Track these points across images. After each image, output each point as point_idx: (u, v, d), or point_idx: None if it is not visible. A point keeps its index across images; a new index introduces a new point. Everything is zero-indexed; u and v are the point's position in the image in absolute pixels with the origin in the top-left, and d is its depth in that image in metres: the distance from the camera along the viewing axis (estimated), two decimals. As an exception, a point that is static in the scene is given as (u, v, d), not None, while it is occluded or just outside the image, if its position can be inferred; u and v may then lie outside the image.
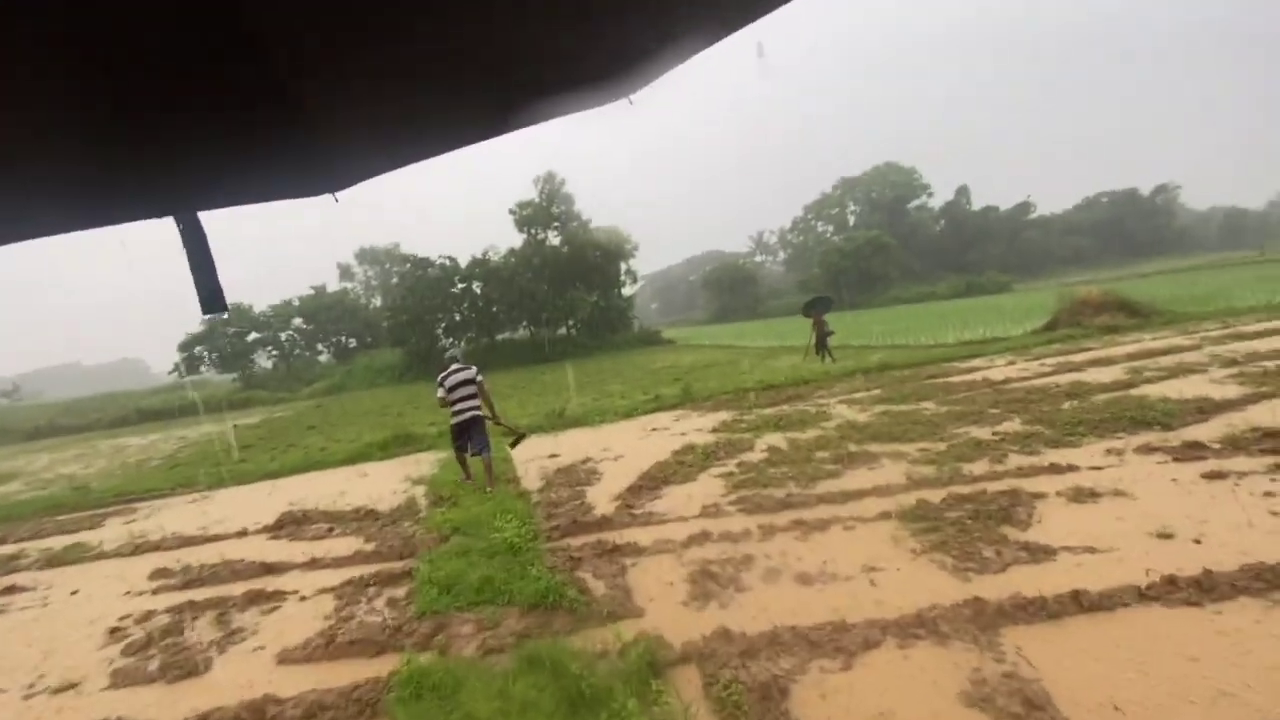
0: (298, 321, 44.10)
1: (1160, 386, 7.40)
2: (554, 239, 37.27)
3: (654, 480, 6.23)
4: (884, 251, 63.65)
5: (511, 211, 36.83)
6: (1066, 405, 7.10)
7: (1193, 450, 4.99)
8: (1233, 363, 8.12)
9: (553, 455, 8.23)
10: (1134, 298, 15.09)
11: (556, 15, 1.57)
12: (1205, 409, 6.08)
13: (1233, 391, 6.66)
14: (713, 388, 12.40)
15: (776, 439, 7.37)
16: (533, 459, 8.17)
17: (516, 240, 37.63)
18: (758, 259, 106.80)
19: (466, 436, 6.77)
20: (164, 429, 26.18)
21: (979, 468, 5.30)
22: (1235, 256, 55.29)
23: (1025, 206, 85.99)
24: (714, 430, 8.43)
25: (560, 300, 35.43)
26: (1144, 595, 2.89)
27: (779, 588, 3.63)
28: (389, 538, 5.51)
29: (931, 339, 19.16)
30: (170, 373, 40.01)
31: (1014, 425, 6.51)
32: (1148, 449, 5.20)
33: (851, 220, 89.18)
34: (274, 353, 42.67)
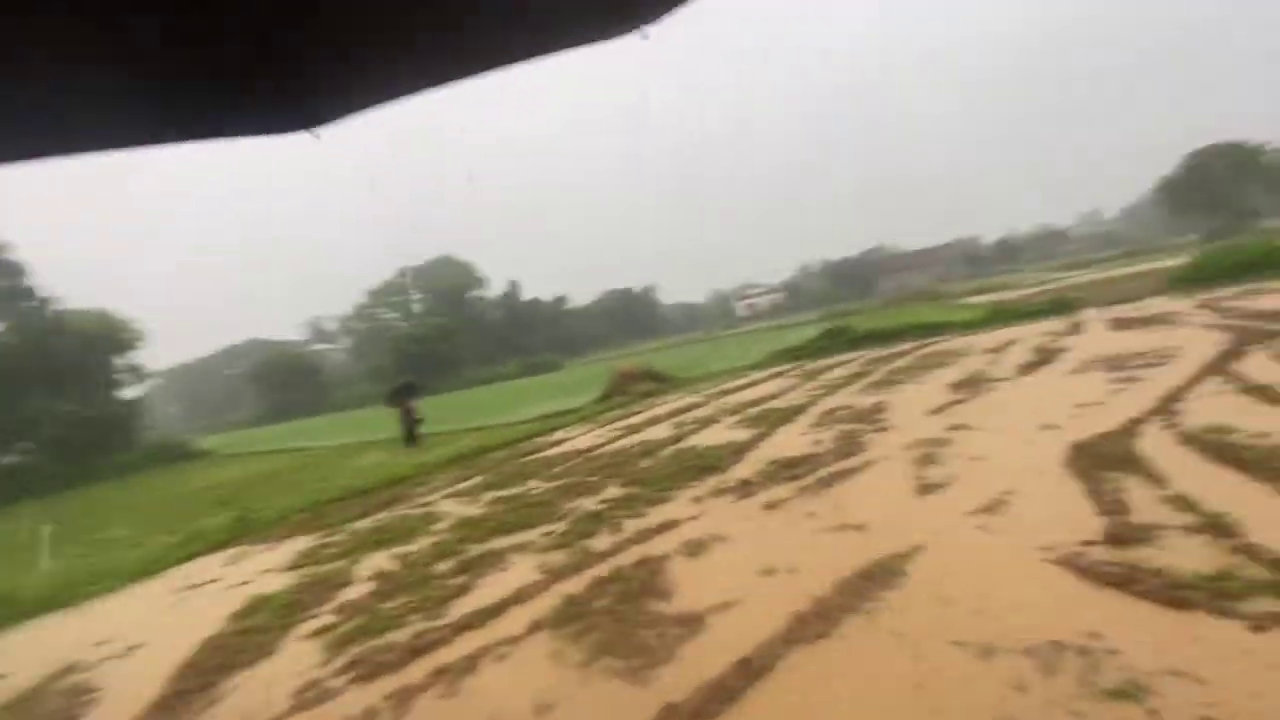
0: None
1: (700, 436, 9.20)
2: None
3: (206, 673, 4.19)
4: (451, 337, 66.01)
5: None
6: (645, 463, 8.07)
7: (747, 487, 6.16)
8: (734, 412, 10.80)
9: (-12, 681, 4.86)
10: (656, 367, 19.14)
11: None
12: (737, 450, 7.73)
13: (744, 434, 8.73)
14: (279, 508, 9.82)
15: (381, 560, 6.08)
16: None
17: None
18: (316, 347, 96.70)
19: None
20: None
21: (602, 541, 5.33)
22: (692, 336, 77.72)
23: (562, 299, 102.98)
24: (291, 568, 6.47)
25: (9, 414, 23.99)
26: (788, 641, 3.12)
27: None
28: None
29: (512, 416, 20.17)
30: None
31: (615, 490, 6.96)
32: (718, 491, 6.19)
33: (418, 307, 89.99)
34: None
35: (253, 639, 4.63)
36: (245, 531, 8.49)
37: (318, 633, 4.56)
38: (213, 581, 6.57)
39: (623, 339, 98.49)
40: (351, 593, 5.29)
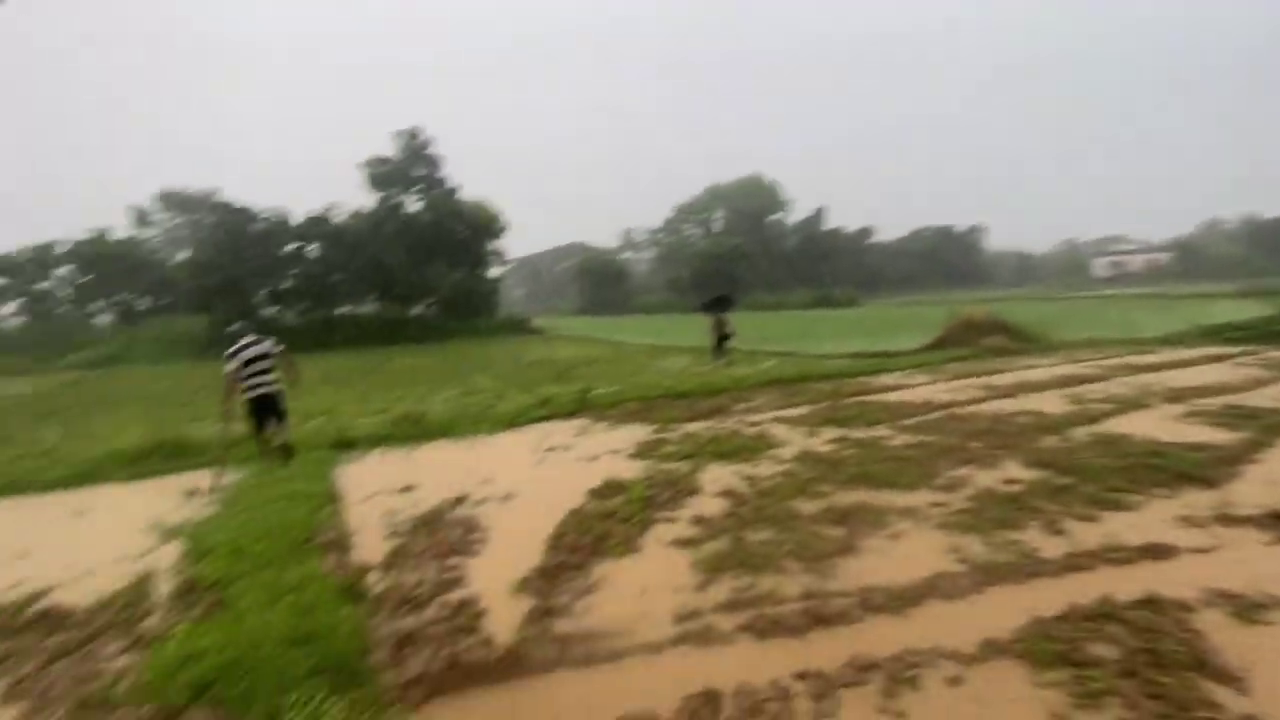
0: (64, 271, 34.72)
1: (1129, 423, 6.66)
2: (413, 205, 32.86)
3: (574, 549, 4.04)
4: (745, 259, 65.94)
5: (361, 168, 31.82)
6: (1050, 442, 6.05)
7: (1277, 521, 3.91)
8: (1173, 399, 7.73)
9: (406, 488, 5.66)
10: (1011, 322, 15.56)
11: None
12: (1224, 458, 5.22)
13: (1218, 435, 5.97)
14: (610, 392, 10.32)
15: (725, 474, 5.52)
16: (375, 494, 5.56)
17: (368, 201, 32.60)
18: (626, 255, 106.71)
19: (268, 412, 6.69)
20: None
21: (1039, 540, 3.82)
22: (1029, 292, 64.44)
23: (867, 231, 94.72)
24: (635, 455, 6.39)
25: (417, 275, 31.22)
26: None
27: None
28: (57, 688, 2.77)
29: (813, 348, 18.83)
30: None
31: (1020, 470, 5.23)
32: (1224, 517, 4.06)
33: (718, 226, 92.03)
34: (26, 307, 33.03)
35: (614, 526, 4.39)
36: (587, 407, 8.98)
37: (680, 543, 4.09)
38: (565, 448, 6.89)
39: (935, 283, 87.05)
40: (704, 505, 4.78)
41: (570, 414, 8.65)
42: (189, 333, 29.00)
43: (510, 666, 2.79)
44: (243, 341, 6.70)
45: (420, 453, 7.09)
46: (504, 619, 3.23)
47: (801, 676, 2.64)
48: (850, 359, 14.51)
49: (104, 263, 35.61)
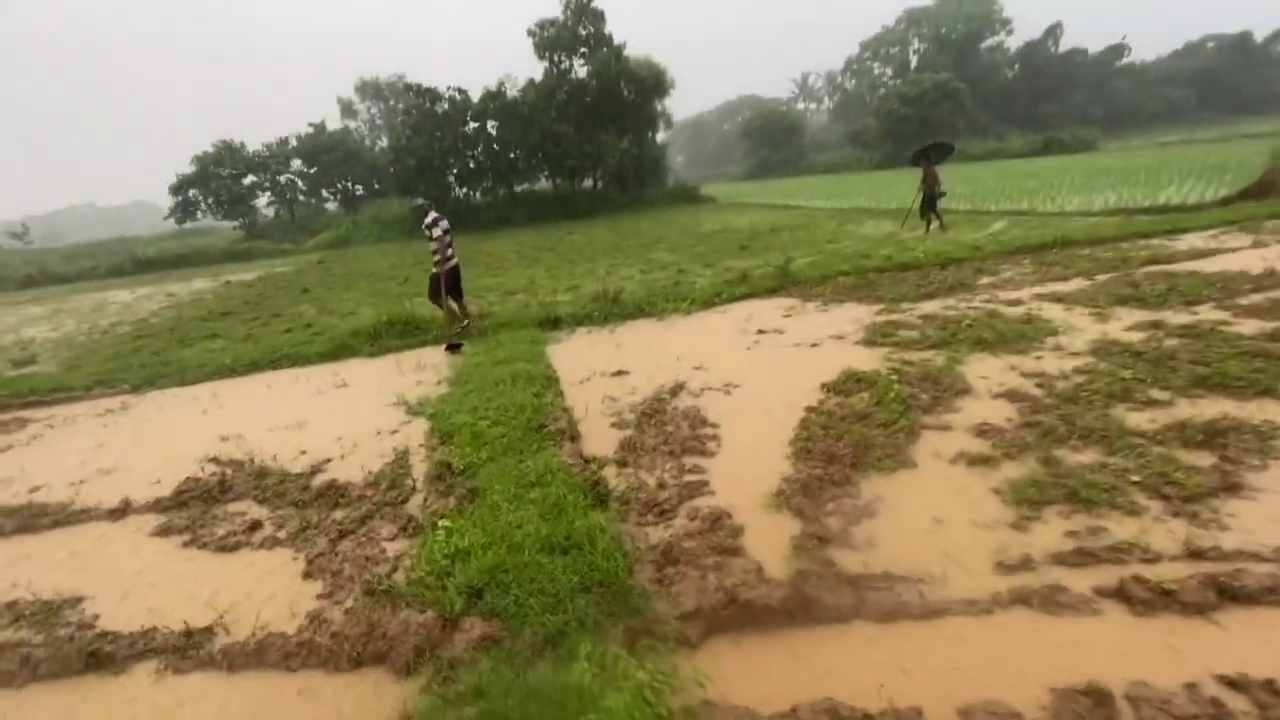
0: (297, 164, 39.83)
1: None
2: (580, 69, 31.66)
3: (830, 459, 3.43)
4: (952, 98, 55.59)
5: (530, 33, 30.92)
6: None
7: None
8: None
9: (619, 373, 5.43)
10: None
11: None
12: None
13: None
14: (811, 265, 9.21)
15: (998, 369, 4.46)
16: (588, 377, 5.40)
17: (536, 70, 32.04)
18: (800, 106, 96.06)
19: (457, 284, 7.01)
20: (157, 282, 23.77)
21: None
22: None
23: (1117, 50, 74.33)
24: (866, 341, 5.49)
25: (588, 145, 30.76)
26: None
27: None
28: (346, 570, 2.91)
29: (1054, 204, 15.39)
30: (166, 218, 36.91)
31: None
32: None
33: (914, 61, 78.16)
34: (274, 199, 38.95)
35: (872, 434, 3.68)
36: (790, 282, 8.07)
37: (967, 460, 3.28)
38: (776, 332, 6.20)
39: (1212, 115, 67.44)
40: (982, 409, 3.85)
41: (771, 291, 7.82)
42: (398, 215, 32.18)
43: (797, 610, 2.33)
44: (434, 215, 7.01)
45: (622, 333, 6.87)
46: (768, 541, 2.77)
47: (1234, 685, 1.84)
48: (1114, 217, 11.54)
49: (324, 154, 40.17)
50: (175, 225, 37.82)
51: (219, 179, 35.85)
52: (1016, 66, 72.36)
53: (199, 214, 36.90)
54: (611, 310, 7.35)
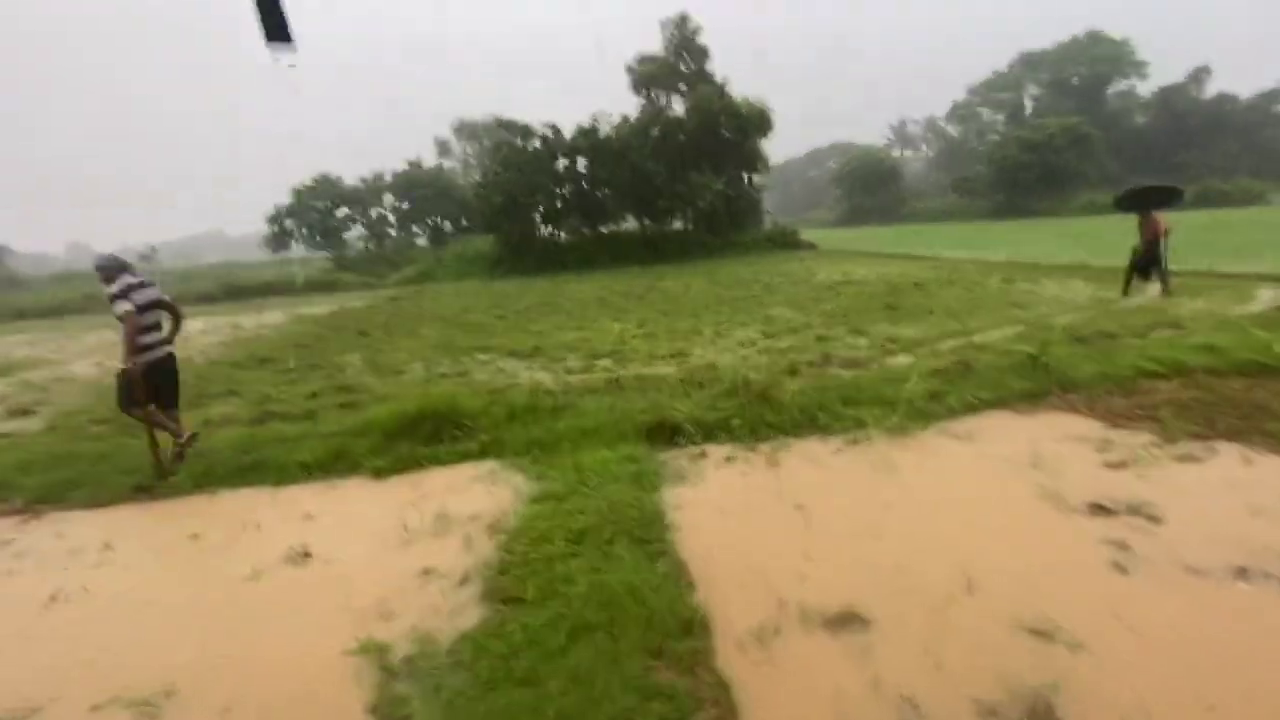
0: (390, 199, 40.35)
1: None
2: (678, 106, 29.95)
3: None
4: (1082, 144, 50.28)
5: (629, 69, 29.65)
6: None
7: None
8: None
9: (844, 619, 2.61)
10: None
11: None
12: None
13: None
14: (1060, 351, 6.08)
15: None
16: (774, 628, 2.59)
17: (631, 106, 30.67)
18: (897, 153, 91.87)
19: (161, 382, 4.66)
20: (235, 312, 23.32)
21: None
22: None
23: (1273, 96, 66.11)
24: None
25: (680, 185, 28.72)
26: None
27: None
28: None
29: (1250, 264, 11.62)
30: (260, 247, 38.06)
31: None
32: None
33: (1029, 107, 72.88)
34: (365, 232, 39.43)
35: None
36: (1053, 383, 4.97)
37: None
38: (1139, 515, 3.16)
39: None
40: None
41: (1030, 398, 4.77)
42: (481, 252, 31.22)
43: None
44: (127, 278, 4.51)
45: (794, 468, 4.06)
46: None
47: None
48: None
49: (418, 190, 40.54)
50: (276, 256, 38.82)
51: (314, 210, 36.54)
52: (1154, 111, 65.50)
53: (293, 244, 37.72)
54: (761, 417, 4.56)
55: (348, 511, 3.79)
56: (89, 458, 5.01)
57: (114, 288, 4.38)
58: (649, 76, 29.02)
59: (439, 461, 4.30)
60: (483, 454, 4.38)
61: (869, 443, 4.18)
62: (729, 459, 4.01)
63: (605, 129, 29.05)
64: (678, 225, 32.18)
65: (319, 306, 21.61)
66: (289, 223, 36.20)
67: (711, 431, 4.41)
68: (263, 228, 36.09)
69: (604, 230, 31.29)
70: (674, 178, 29.66)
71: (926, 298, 11.58)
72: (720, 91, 28.34)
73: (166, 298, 4.84)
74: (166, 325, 4.88)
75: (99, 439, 5.96)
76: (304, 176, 36.62)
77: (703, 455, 4.08)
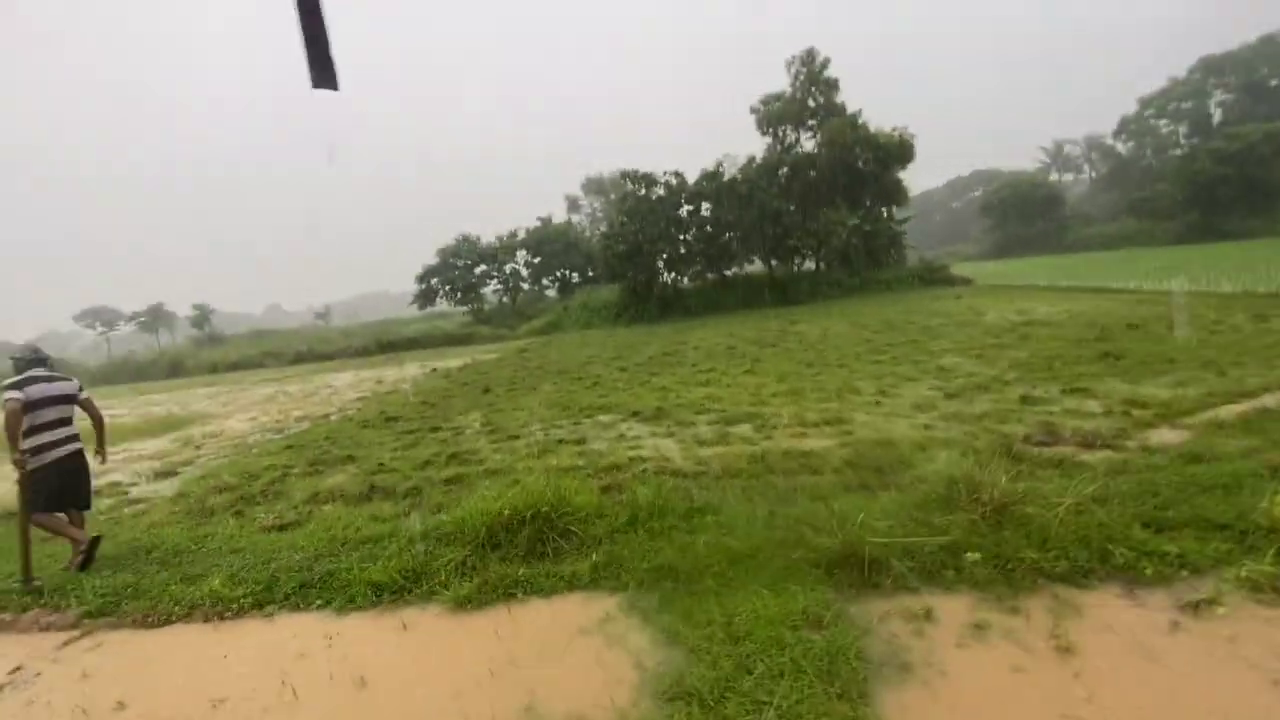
0: (523, 254, 42.36)
1: None
2: (807, 143, 28.53)
3: None
4: (1288, 155, 41.48)
5: (754, 109, 28.88)
6: None
7: None
8: None
9: None
10: None
11: None
12: None
13: None
14: None
15: None
16: None
17: (759, 147, 29.77)
18: (1055, 177, 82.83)
19: (69, 487, 4.33)
20: (383, 365, 24.89)
21: None
22: None
23: None
24: None
25: (811, 223, 27.00)
26: None
27: None
28: None
29: None
30: (409, 304, 41.35)
31: None
32: None
33: (1217, 114, 62.69)
34: (500, 286, 41.51)
35: None
36: None
37: None
38: None
39: None
40: None
41: None
42: (605, 301, 31.35)
43: None
44: (31, 372, 4.30)
45: (1104, 655, 2.45)
46: None
47: None
48: None
49: (548, 245, 42.25)
50: (418, 310, 41.94)
51: (456, 268, 39.10)
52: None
53: (439, 300, 40.53)
54: (1011, 545, 2.96)
55: (410, 665, 2.76)
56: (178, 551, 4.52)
57: (11, 379, 4.21)
58: (776, 115, 27.98)
59: (538, 589, 3.18)
60: (594, 579, 3.20)
61: (1222, 609, 2.46)
62: (978, 628, 2.48)
63: (731, 171, 28.27)
64: (809, 266, 30.34)
65: (454, 359, 22.33)
66: (434, 281, 39.04)
67: (932, 569, 2.89)
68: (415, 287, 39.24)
69: (728, 274, 30.19)
70: (805, 215, 28.07)
71: (1154, 342, 9.03)
72: (853, 123, 26.54)
73: (83, 395, 4.51)
74: (76, 423, 4.51)
75: (216, 518, 5.61)
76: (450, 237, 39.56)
77: (927, 616, 2.58)
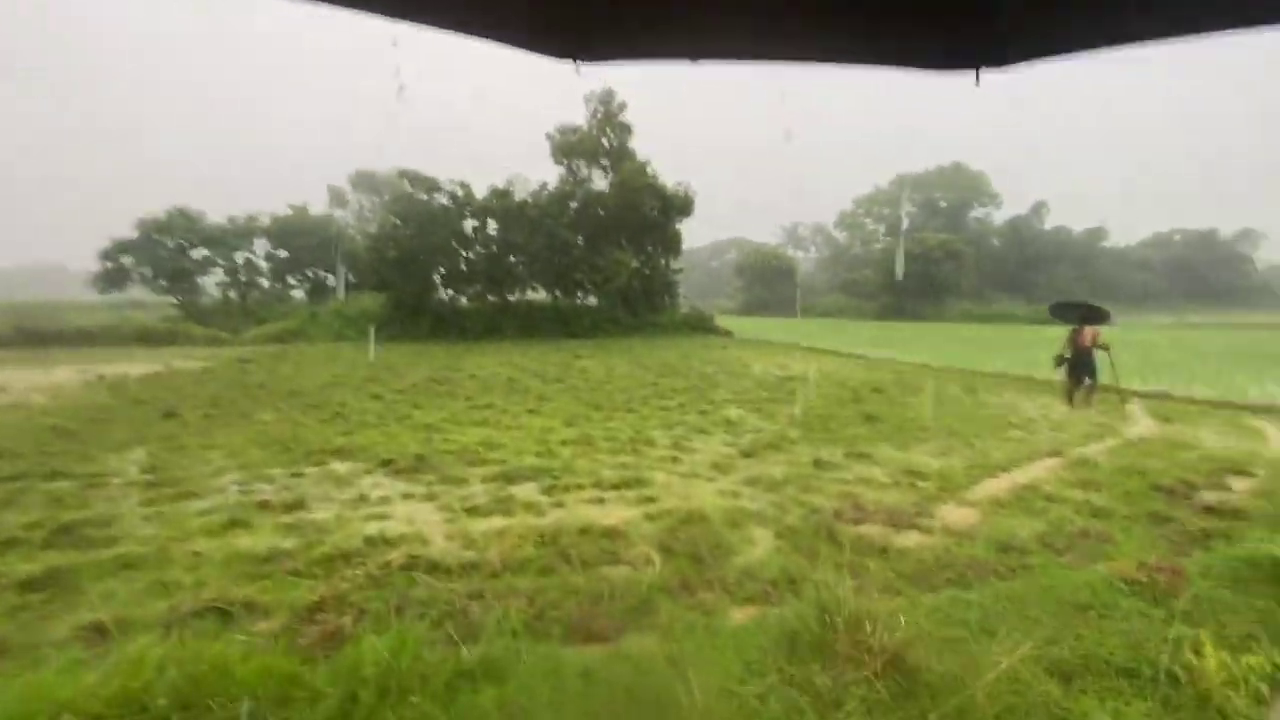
0: (263, 244, 35.29)
1: None
2: (599, 180, 28.76)
3: None
4: (956, 259, 55.39)
5: (549, 136, 28.26)
6: None
7: None
8: None
9: None
10: None
11: None
12: None
13: None
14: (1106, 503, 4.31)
15: None
16: None
17: (550, 174, 29.15)
18: (790, 252, 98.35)
19: None
20: (22, 362, 17.87)
21: None
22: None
23: (1098, 233, 78.51)
24: None
25: (598, 259, 27.05)
26: None
27: None
28: None
29: (1164, 383, 11.66)
30: (86, 285, 31.43)
31: None
32: None
33: (905, 222, 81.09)
34: (226, 279, 33.76)
35: None
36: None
37: None
38: None
39: (1179, 301, 70.74)
40: None
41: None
42: (365, 312, 27.30)
43: None
44: None
45: None
46: None
47: None
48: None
49: (300, 238, 35.93)
50: (100, 295, 32.13)
51: (163, 249, 30.93)
52: (1005, 238, 74.77)
53: (132, 285, 31.54)
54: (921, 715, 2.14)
55: None
56: None
57: None
58: (571, 147, 27.72)
59: None
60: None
61: None
62: None
63: (521, 194, 27.09)
64: (591, 300, 30.33)
65: (140, 364, 16.93)
66: (127, 259, 30.18)
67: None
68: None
69: (510, 298, 28.67)
70: (592, 250, 28.03)
71: (900, 407, 10.01)
72: (643, 169, 27.49)
73: None
74: None
75: None
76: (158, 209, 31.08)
77: None
